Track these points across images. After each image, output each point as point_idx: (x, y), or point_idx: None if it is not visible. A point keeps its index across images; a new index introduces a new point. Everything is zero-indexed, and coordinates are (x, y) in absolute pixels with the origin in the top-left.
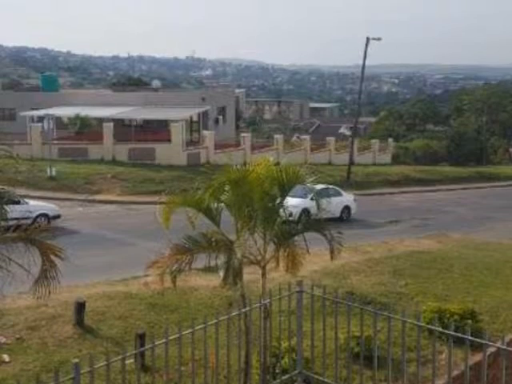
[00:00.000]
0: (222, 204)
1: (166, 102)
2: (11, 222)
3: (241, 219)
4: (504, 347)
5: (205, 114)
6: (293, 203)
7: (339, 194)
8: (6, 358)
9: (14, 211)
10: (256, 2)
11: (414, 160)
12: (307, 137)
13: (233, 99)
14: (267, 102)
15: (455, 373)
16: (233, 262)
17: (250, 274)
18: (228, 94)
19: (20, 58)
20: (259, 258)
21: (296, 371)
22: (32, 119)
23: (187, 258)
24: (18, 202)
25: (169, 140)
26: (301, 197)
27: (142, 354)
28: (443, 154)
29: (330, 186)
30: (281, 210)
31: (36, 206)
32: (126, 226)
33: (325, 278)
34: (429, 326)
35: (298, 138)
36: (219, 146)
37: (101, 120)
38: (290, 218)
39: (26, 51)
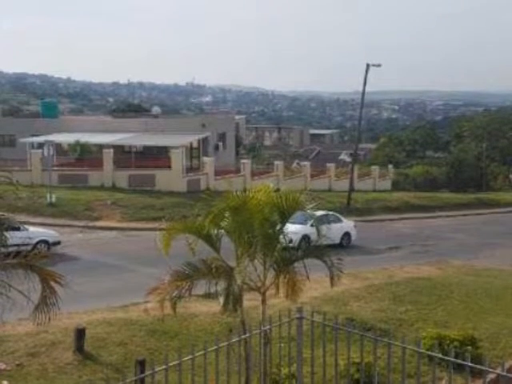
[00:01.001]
0: (222, 230)
1: (166, 128)
2: (11, 249)
3: (241, 246)
4: (504, 374)
5: (205, 141)
6: (293, 230)
7: (339, 221)
8: None
9: (13, 237)
10: (256, 28)
11: (414, 186)
12: (307, 163)
13: (233, 125)
14: (267, 129)
15: None
16: (233, 288)
17: (250, 300)
18: (228, 120)
19: (20, 84)
20: (259, 284)
21: None
22: (32, 145)
23: (187, 285)
24: (18, 229)
25: (169, 166)
26: (301, 223)
27: (142, 381)
28: (443, 180)
29: (330, 213)
30: (281, 237)
31: (36, 232)
32: (126, 252)
33: (325, 304)
34: (429, 353)
35: (298, 164)
36: (219, 172)
37: (101, 146)
38: (290, 245)
39: (26, 77)
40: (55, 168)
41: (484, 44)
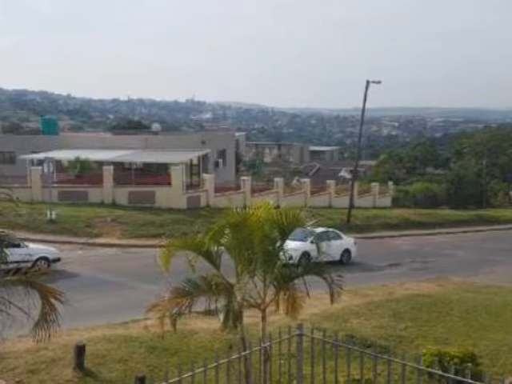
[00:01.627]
0: (222, 247)
1: (166, 145)
2: (11, 266)
3: (241, 262)
4: None
5: (205, 157)
6: (293, 246)
7: (339, 237)
8: None
9: (14, 254)
10: (256, 45)
11: (414, 203)
12: (307, 180)
13: (233, 142)
14: (267, 145)
15: None
16: (233, 305)
17: (250, 317)
18: (228, 137)
19: (20, 101)
20: (259, 301)
21: None
22: (32, 162)
23: (187, 301)
24: (18, 245)
25: (169, 183)
26: (301, 240)
27: None
28: (443, 197)
29: (330, 229)
30: (281, 253)
31: (36, 249)
32: (126, 269)
33: (325, 321)
34: (429, 370)
35: (298, 181)
36: (219, 189)
37: (101, 163)
38: (290, 261)
39: (26, 94)
40: (55, 185)
41: (484, 61)
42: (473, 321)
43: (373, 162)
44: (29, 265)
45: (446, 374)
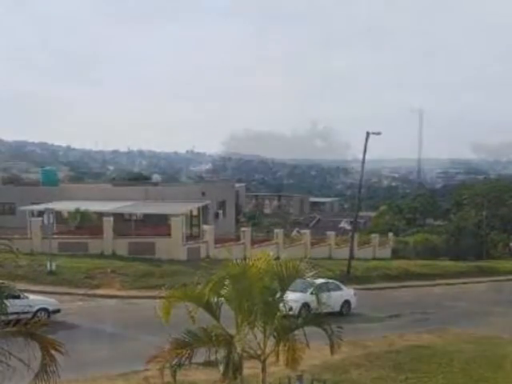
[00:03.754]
0: (222, 298)
1: (165, 196)
2: (11, 317)
3: (241, 313)
4: None
5: (205, 209)
6: (293, 298)
7: (339, 289)
8: None
9: (13, 306)
10: (256, 96)
11: (414, 254)
12: (307, 231)
13: (233, 193)
14: (267, 197)
15: None
16: (233, 356)
17: (249, 368)
18: (228, 188)
19: (20, 152)
20: (259, 352)
21: None
22: (32, 214)
23: (187, 353)
24: (17, 297)
25: (169, 234)
26: (301, 291)
27: None
28: (443, 248)
29: (330, 281)
30: (281, 305)
31: (36, 300)
32: (126, 320)
33: (325, 372)
34: None
35: (298, 232)
36: (219, 240)
37: (101, 214)
38: (290, 313)
39: (26, 145)
40: (55, 236)
41: (482, 112)
42: (473, 372)
43: (373, 213)
44: (29, 316)
45: None
